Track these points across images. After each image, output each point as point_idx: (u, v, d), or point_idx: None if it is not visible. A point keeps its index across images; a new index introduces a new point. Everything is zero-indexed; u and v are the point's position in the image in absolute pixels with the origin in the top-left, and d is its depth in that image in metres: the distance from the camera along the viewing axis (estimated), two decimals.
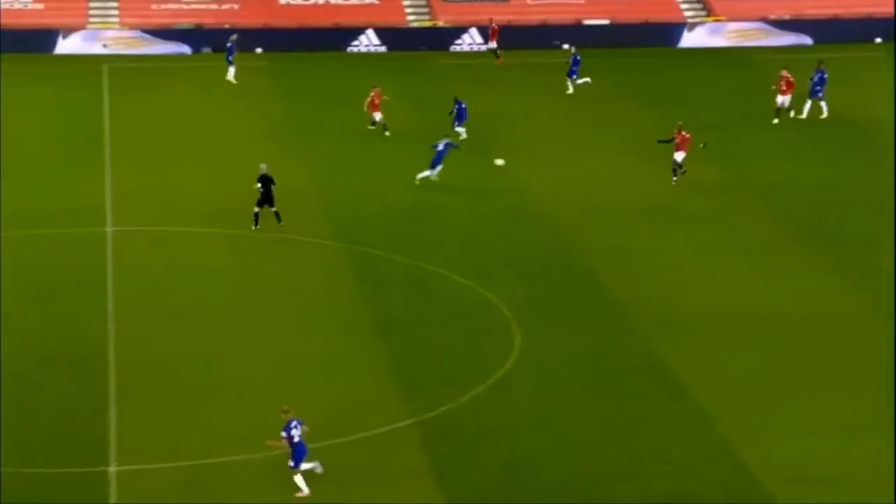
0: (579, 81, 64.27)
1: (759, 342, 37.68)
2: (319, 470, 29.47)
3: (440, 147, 49.66)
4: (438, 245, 44.58)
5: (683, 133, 50.14)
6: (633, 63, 71.37)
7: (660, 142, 50.92)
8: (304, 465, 29.35)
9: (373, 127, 56.43)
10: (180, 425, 32.59)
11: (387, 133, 56.14)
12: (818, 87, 59.26)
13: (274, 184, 44.96)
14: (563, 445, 32.09)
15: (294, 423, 29.37)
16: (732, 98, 64.39)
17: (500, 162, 48.79)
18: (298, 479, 29.29)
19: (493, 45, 71.63)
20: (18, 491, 29.38)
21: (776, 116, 58.64)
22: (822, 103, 59.31)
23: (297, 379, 35.26)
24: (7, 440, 31.55)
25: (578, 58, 64.51)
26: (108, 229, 45.47)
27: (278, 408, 33.29)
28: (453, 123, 55.36)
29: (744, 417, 33.44)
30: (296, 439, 29.22)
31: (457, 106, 55.91)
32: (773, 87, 59.00)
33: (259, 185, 44.82)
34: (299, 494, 29.24)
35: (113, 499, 29.18)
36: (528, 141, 56.58)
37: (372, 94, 56.75)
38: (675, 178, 49.99)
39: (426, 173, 49.64)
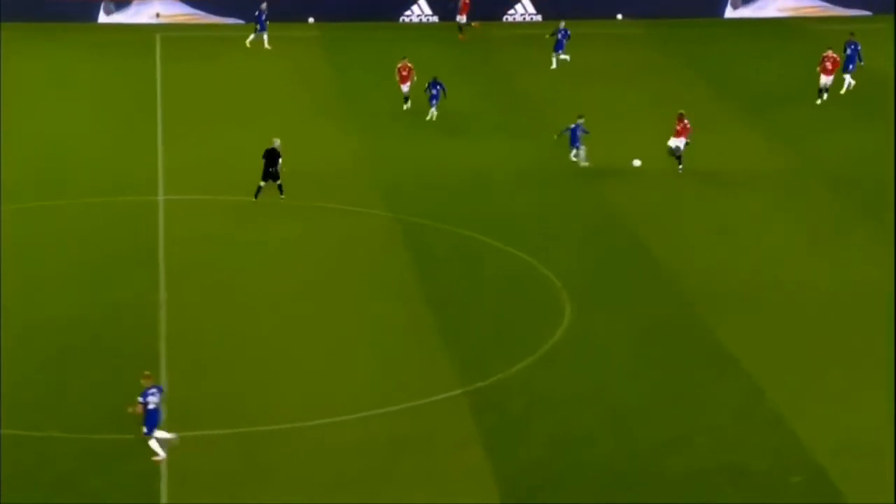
0: (563, 56, 62.02)
1: (811, 314, 37.44)
2: (176, 441, 29.46)
3: (574, 128, 48.27)
4: (490, 216, 44.49)
5: (685, 122, 47.93)
6: (686, 34, 70.78)
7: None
8: (160, 434, 29.35)
9: (407, 104, 55.20)
10: (231, 392, 32.79)
11: (406, 107, 55.18)
12: (851, 61, 58.26)
13: (279, 159, 44.39)
14: (612, 417, 32.05)
15: (152, 391, 29.45)
16: (786, 69, 63.78)
17: (637, 163, 47.59)
18: (153, 444, 29.31)
19: (461, 19, 69.10)
20: (71, 456, 29.70)
21: (819, 97, 57.58)
22: (847, 76, 58.23)
23: (348, 348, 35.36)
24: (59, 406, 31.90)
25: (568, 32, 62.23)
26: (160, 198, 45.72)
27: (331, 377, 33.61)
28: (430, 101, 53.65)
29: (795, 389, 33.28)
30: (150, 406, 29.30)
31: (433, 87, 53.67)
32: (818, 69, 57.91)
33: (263, 158, 44.51)
34: (156, 458, 29.25)
35: (164, 466, 29.34)
36: (580, 112, 56.27)
37: (399, 65, 55.51)
38: (681, 167, 48.17)
39: (575, 155, 48.72)
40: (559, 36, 62.22)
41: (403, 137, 52.95)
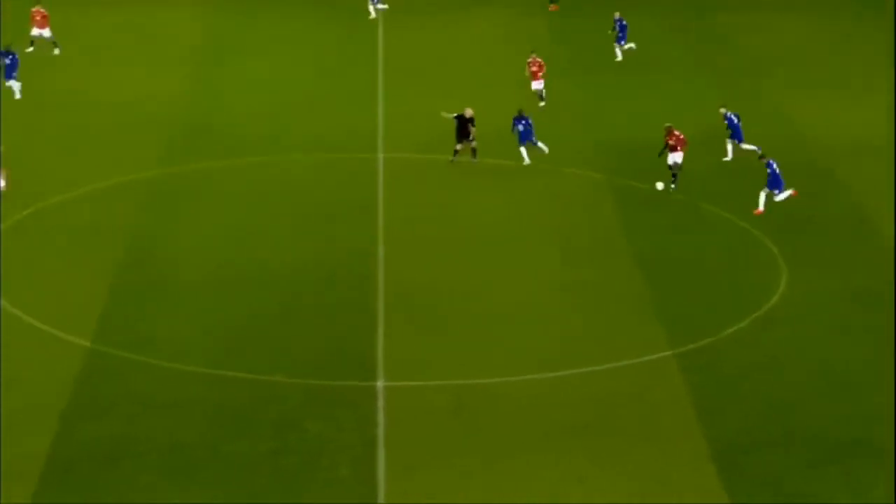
0: (626, 46, 58.40)
1: None
2: None
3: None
4: (703, 179, 44.38)
5: (676, 133, 43.58)
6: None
7: (660, 154, 43.92)
8: None
9: (542, 103, 51.51)
10: (444, 346, 33.52)
11: (541, 104, 51.49)
12: None
13: (469, 125, 44.79)
14: (825, 383, 31.83)
15: None
16: None
17: (660, 186, 42.47)
18: None
19: None
20: (293, 401, 30.81)
21: None
22: None
23: (558, 307, 35.79)
24: (283, 352, 33.04)
25: (624, 22, 58.38)
26: (380, 155, 46.80)
27: (541, 333, 34.08)
28: (519, 141, 45.65)
29: None
30: None
31: (518, 123, 45.71)
32: None
33: (456, 120, 45.09)
34: None
35: (381, 413, 30.29)
36: (787, 73, 55.67)
37: (528, 59, 52.43)
38: (673, 186, 43.22)
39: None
40: (617, 28, 58.68)
41: (621, 98, 52.97)
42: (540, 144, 45.64)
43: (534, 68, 52.24)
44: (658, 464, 28.43)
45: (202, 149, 47.18)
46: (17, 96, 51.74)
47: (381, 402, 30.70)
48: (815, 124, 49.47)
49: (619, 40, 58.79)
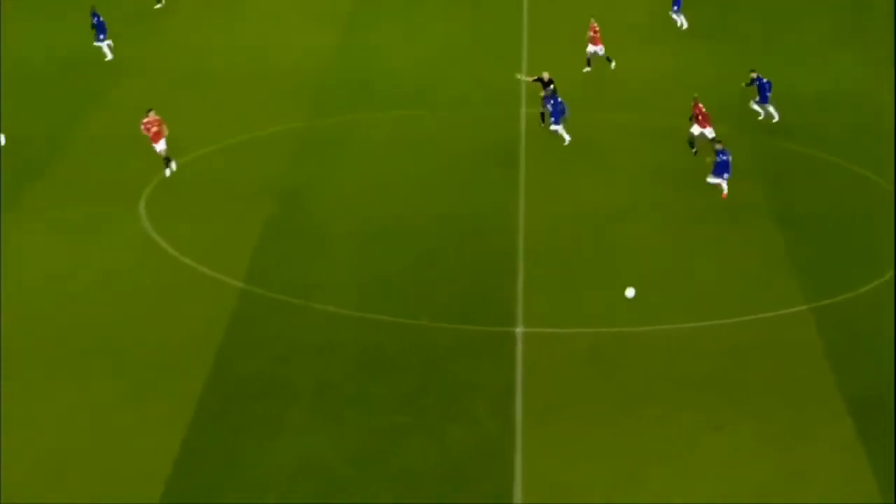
0: (679, 15, 57.73)
1: None
2: None
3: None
4: (841, 138, 44.40)
5: (700, 106, 42.98)
6: None
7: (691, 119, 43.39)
8: None
9: (588, 68, 52.01)
10: (583, 294, 34.30)
11: (586, 69, 51.94)
12: None
13: (546, 86, 44.96)
14: None
15: None
16: None
17: (630, 293, 36.04)
18: None
19: None
20: (437, 344, 31.94)
21: None
22: None
23: (696, 259, 36.33)
24: (428, 297, 34.10)
25: None
26: (523, 110, 47.56)
27: (678, 286, 34.64)
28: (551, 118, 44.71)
29: None
30: None
31: (547, 102, 44.78)
32: None
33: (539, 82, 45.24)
34: None
35: (519, 357, 31.23)
36: None
37: (589, 27, 52.55)
38: (694, 150, 42.85)
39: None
40: None
41: (740, 55, 52.98)
42: (561, 131, 44.39)
43: (591, 33, 52.33)
44: (793, 416, 28.95)
45: (351, 102, 48.45)
46: (110, 56, 52.36)
47: (519, 348, 31.63)
48: None
49: (675, 4, 58.10)
